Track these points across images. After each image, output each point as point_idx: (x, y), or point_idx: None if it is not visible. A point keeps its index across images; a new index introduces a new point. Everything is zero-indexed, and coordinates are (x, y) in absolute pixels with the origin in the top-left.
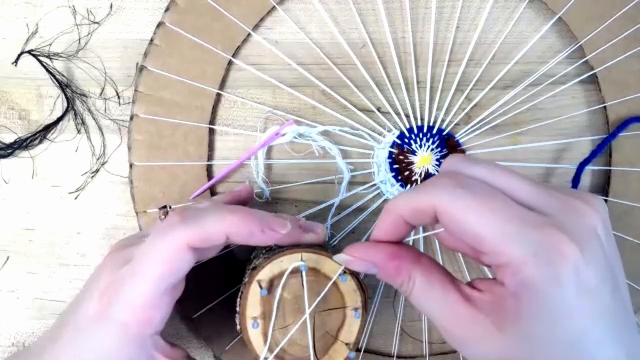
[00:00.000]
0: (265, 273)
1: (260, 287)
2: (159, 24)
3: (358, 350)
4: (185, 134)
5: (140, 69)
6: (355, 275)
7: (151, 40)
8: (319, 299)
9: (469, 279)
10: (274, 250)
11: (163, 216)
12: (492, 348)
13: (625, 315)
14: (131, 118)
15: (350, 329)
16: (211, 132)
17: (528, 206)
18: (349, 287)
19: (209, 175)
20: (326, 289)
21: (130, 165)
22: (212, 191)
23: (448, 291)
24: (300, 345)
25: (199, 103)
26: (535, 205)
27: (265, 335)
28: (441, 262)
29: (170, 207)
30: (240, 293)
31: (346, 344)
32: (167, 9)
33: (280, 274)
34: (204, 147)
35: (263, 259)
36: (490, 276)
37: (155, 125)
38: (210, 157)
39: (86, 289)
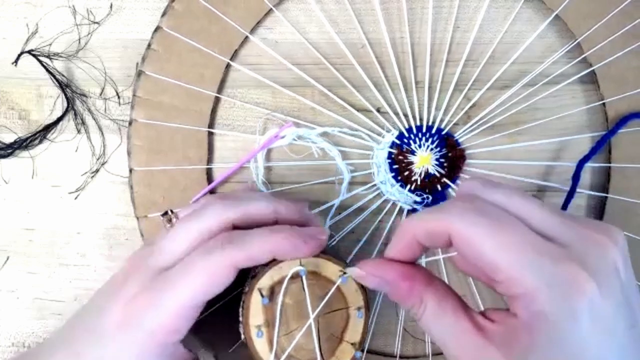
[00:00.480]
0: (265, 281)
1: (262, 295)
2: (157, 29)
3: (362, 350)
4: (184, 138)
5: (139, 73)
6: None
7: (149, 45)
8: (322, 303)
9: (480, 304)
10: None
11: (168, 224)
12: None
13: None
14: (130, 123)
15: (355, 329)
16: (210, 135)
17: (546, 236)
18: (350, 287)
19: (209, 179)
20: (330, 293)
21: (130, 171)
22: (212, 194)
23: (460, 318)
24: (306, 350)
25: (197, 107)
26: (553, 235)
27: (270, 343)
28: (440, 260)
29: (172, 212)
30: (242, 302)
31: (352, 343)
32: (164, 14)
33: (281, 281)
34: (204, 151)
35: (262, 266)
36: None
37: (155, 129)
38: (210, 160)
39: (105, 296)
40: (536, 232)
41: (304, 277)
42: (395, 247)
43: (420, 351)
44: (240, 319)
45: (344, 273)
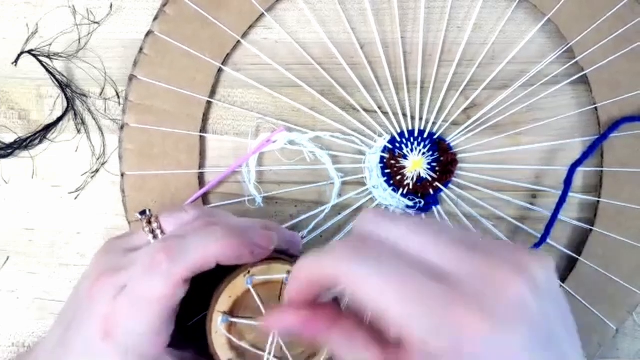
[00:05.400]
0: (223, 302)
1: (223, 313)
2: (148, 33)
3: None
4: (176, 143)
5: (130, 78)
6: None
7: (141, 49)
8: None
9: None
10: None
11: (147, 228)
12: None
13: None
14: (122, 128)
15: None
16: (202, 139)
17: (441, 274)
18: None
19: (201, 183)
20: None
21: (122, 175)
22: (204, 199)
23: (371, 353)
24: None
25: (189, 111)
26: (449, 272)
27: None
28: None
29: (150, 212)
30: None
31: None
32: (155, 18)
33: (238, 296)
34: (196, 155)
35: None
36: None
37: (146, 134)
38: (201, 164)
39: (81, 303)
40: (430, 271)
41: (251, 287)
42: (292, 290)
43: None
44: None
45: (289, 273)
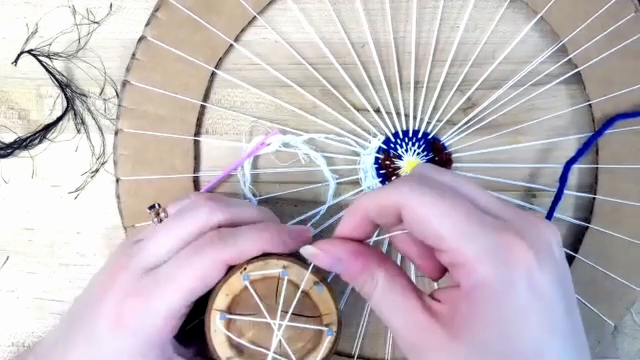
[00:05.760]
0: (221, 300)
1: (221, 312)
2: (141, 39)
3: (351, 356)
4: (171, 147)
5: (124, 84)
6: (328, 285)
7: (133, 54)
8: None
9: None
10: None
11: (156, 219)
12: (445, 358)
13: (581, 338)
14: (116, 133)
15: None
16: (197, 143)
17: (489, 212)
18: (324, 297)
19: (197, 188)
20: (296, 299)
21: (117, 181)
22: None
23: (408, 298)
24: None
25: (183, 116)
26: (495, 212)
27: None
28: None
29: (159, 206)
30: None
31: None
32: (148, 23)
33: (236, 294)
34: (190, 160)
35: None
36: None
37: (141, 139)
38: (196, 169)
39: (95, 295)
40: (483, 207)
41: (248, 284)
42: (347, 225)
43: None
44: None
45: (318, 282)
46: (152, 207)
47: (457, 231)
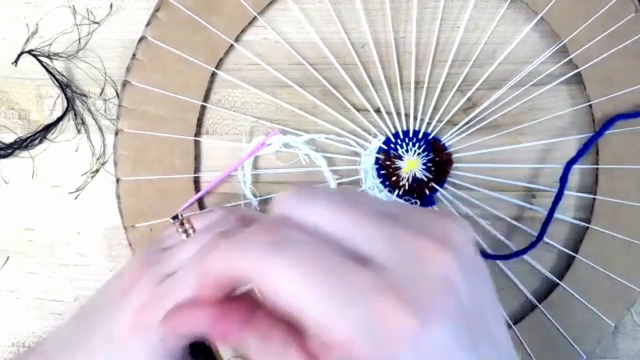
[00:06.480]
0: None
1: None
2: (141, 39)
3: None
4: (171, 148)
5: (124, 84)
6: None
7: (133, 55)
8: None
9: None
10: None
11: (182, 232)
12: None
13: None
14: (116, 133)
15: None
16: (197, 143)
17: (365, 258)
18: None
19: (197, 188)
20: None
21: (117, 181)
22: (200, 203)
23: (289, 353)
24: None
25: (183, 116)
26: (373, 255)
27: None
28: None
29: (182, 216)
30: None
31: None
32: (148, 23)
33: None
34: (190, 160)
35: None
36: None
37: (141, 139)
38: (197, 169)
39: (112, 298)
40: (355, 254)
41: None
42: (200, 286)
43: None
44: None
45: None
46: (175, 217)
47: (320, 309)
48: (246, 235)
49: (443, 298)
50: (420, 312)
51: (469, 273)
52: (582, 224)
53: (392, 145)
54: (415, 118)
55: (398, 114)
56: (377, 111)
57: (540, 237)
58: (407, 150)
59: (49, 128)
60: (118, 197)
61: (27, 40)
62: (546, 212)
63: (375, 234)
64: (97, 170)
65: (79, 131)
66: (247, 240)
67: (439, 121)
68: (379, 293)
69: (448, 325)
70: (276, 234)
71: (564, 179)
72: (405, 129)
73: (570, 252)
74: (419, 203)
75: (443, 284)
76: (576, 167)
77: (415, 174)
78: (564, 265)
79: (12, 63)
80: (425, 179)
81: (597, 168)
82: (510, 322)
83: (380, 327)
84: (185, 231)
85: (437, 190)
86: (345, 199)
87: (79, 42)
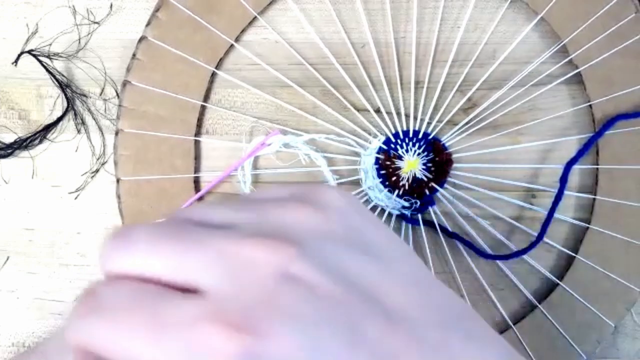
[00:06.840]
0: None
1: None
2: (141, 39)
3: None
4: (171, 148)
5: (124, 84)
6: None
7: (133, 55)
8: None
9: (460, 284)
10: None
11: None
12: None
13: None
14: (116, 133)
15: None
16: (197, 143)
17: (193, 287)
18: None
19: (197, 188)
20: None
21: (117, 181)
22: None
23: None
24: None
25: (183, 116)
26: (200, 283)
27: None
28: (429, 261)
29: None
30: None
31: None
32: (148, 23)
33: None
34: (191, 160)
35: None
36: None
37: (141, 139)
38: (197, 169)
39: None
40: (181, 285)
41: None
42: None
43: None
44: None
45: None
46: None
47: (148, 351)
48: (72, 311)
49: (283, 299)
50: (250, 328)
51: (336, 250)
52: (582, 224)
53: (392, 145)
54: (415, 118)
55: (398, 114)
56: (377, 111)
57: (540, 237)
58: (407, 150)
59: (49, 128)
60: (118, 197)
61: (27, 40)
62: (546, 212)
63: (202, 258)
64: (97, 170)
65: (79, 131)
66: (71, 319)
67: (439, 121)
68: (200, 321)
69: (298, 324)
70: (92, 299)
71: (564, 179)
72: (405, 129)
73: (570, 252)
74: (418, 203)
75: (280, 284)
76: (576, 167)
77: (415, 174)
78: (564, 266)
79: (12, 63)
80: (425, 179)
81: (597, 168)
82: (510, 322)
83: (206, 357)
84: None
85: (437, 190)
86: (170, 228)
87: (79, 42)
